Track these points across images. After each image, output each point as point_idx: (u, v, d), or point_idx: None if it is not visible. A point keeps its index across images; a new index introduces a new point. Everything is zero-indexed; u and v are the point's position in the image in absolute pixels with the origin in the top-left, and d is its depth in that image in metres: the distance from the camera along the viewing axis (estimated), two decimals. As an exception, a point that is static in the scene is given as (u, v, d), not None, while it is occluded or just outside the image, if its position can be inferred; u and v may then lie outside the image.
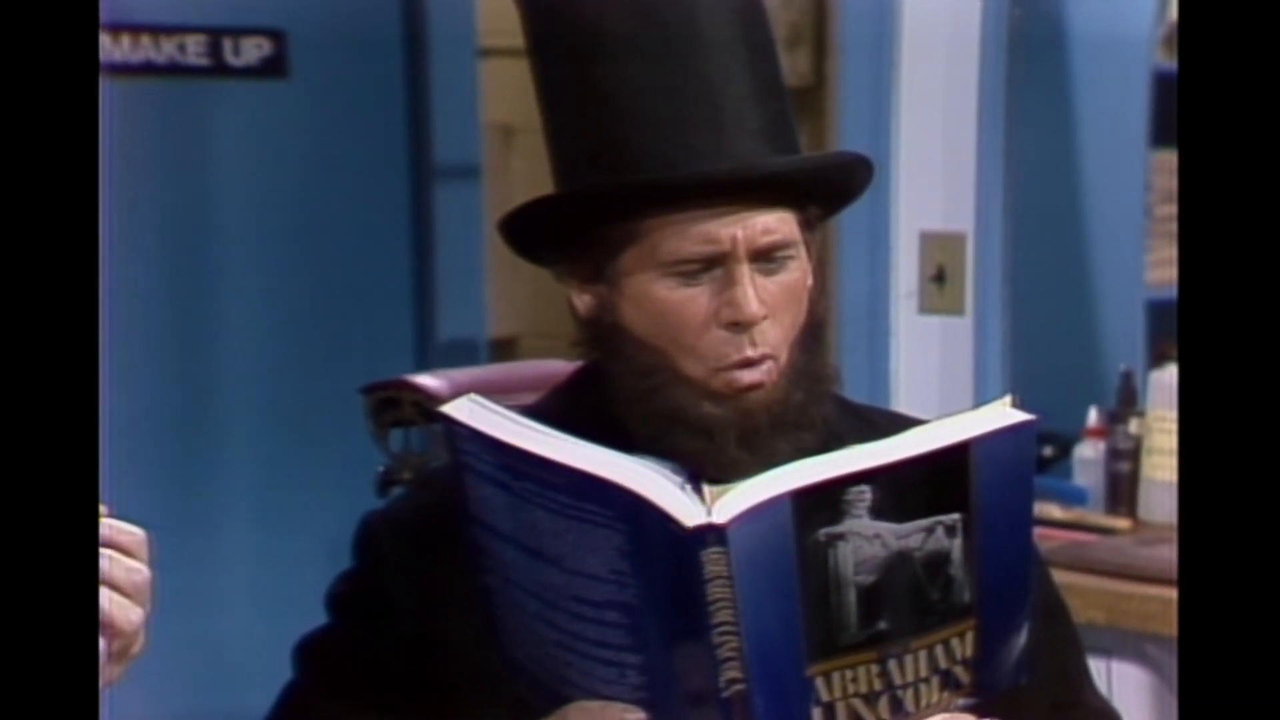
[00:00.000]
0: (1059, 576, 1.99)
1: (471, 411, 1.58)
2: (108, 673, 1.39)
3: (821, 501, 1.53)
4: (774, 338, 1.77)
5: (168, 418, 3.42)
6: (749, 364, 1.78)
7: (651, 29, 1.81)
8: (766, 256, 1.77)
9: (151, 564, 1.37)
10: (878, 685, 1.59)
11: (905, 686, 1.60)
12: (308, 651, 1.84)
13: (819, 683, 1.57)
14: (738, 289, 1.74)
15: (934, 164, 3.21)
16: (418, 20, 3.57)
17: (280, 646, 1.89)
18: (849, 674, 1.58)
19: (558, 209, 1.82)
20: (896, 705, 1.60)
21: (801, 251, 1.80)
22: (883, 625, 1.57)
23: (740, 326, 1.76)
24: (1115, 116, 3.37)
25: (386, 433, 2.29)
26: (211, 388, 3.49)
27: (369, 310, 3.56)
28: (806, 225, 1.81)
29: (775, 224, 1.78)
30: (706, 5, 1.84)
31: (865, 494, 1.54)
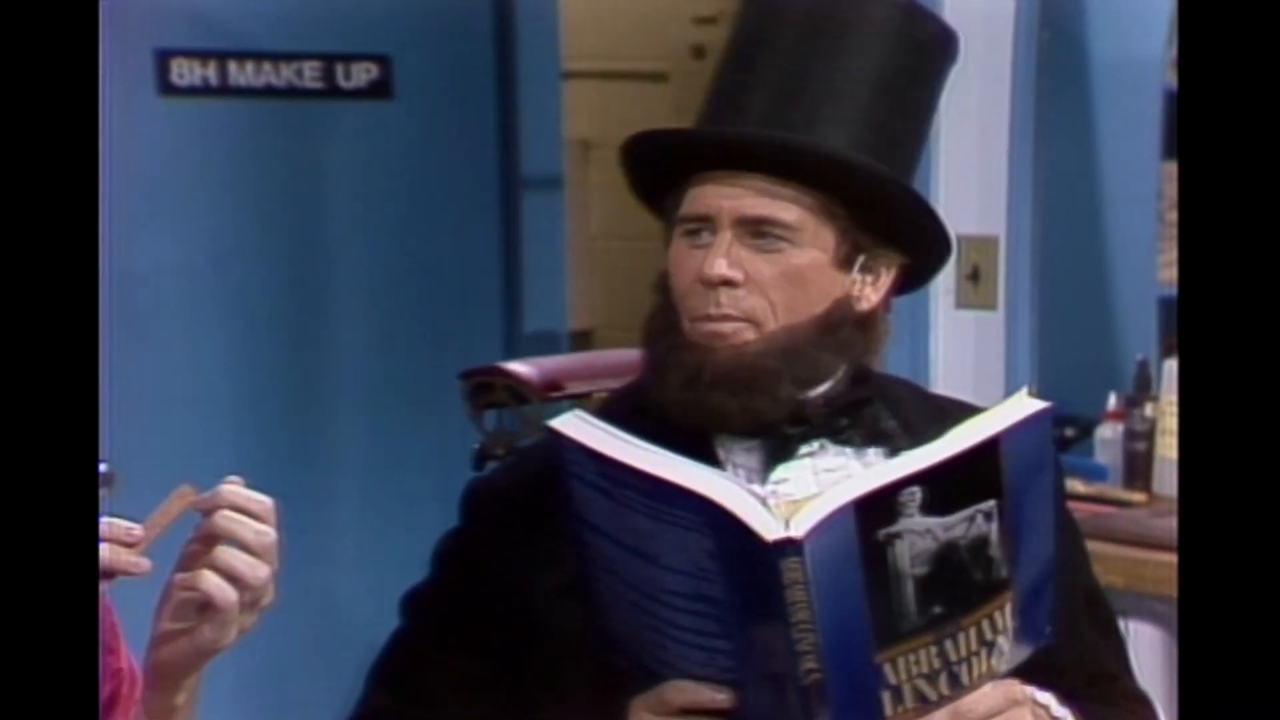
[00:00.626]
0: (1082, 544, 2.01)
1: (578, 427, 1.61)
2: (241, 621, 1.41)
3: (879, 506, 1.55)
4: (748, 305, 1.76)
5: (290, 401, 3.45)
6: (711, 319, 1.77)
7: (810, 23, 1.80)
8: (754, 231, 1.76)
9: (278, 528, 1.39)
10: (937, 664, 1.61)
11: (960, 662, 1.62)
12: (413, 602, 1.87)
13: (886, 668, 1.59)
14: (711, 250, 1.75)
15: (970, 173, 3.21)
16: (508, 48, 3.58)
17: (388, 599, 1.93)
18: (911, 657, 1.60)
19: (632, 151, 1.84)
20: (954, 680, 1.62)
21: (806, 239, 1.76)
22: (937, 610, 1.59)
23: (706, 283, 1.75)
24: (1131, 131, 3.36)
25: (482, 413, 2.38)
26: (326, 375, 3.49)
27: (463, 305, 3.57)
28: (829, 216, 1.77)
29: (768, 202, 1.75)
30: (863, 22, 1.81)
31: (915, 494, 1.56)
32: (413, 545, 2.08)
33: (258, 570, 1.39)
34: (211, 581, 1.38)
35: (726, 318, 1.75)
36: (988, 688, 1.64)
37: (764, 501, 1.54)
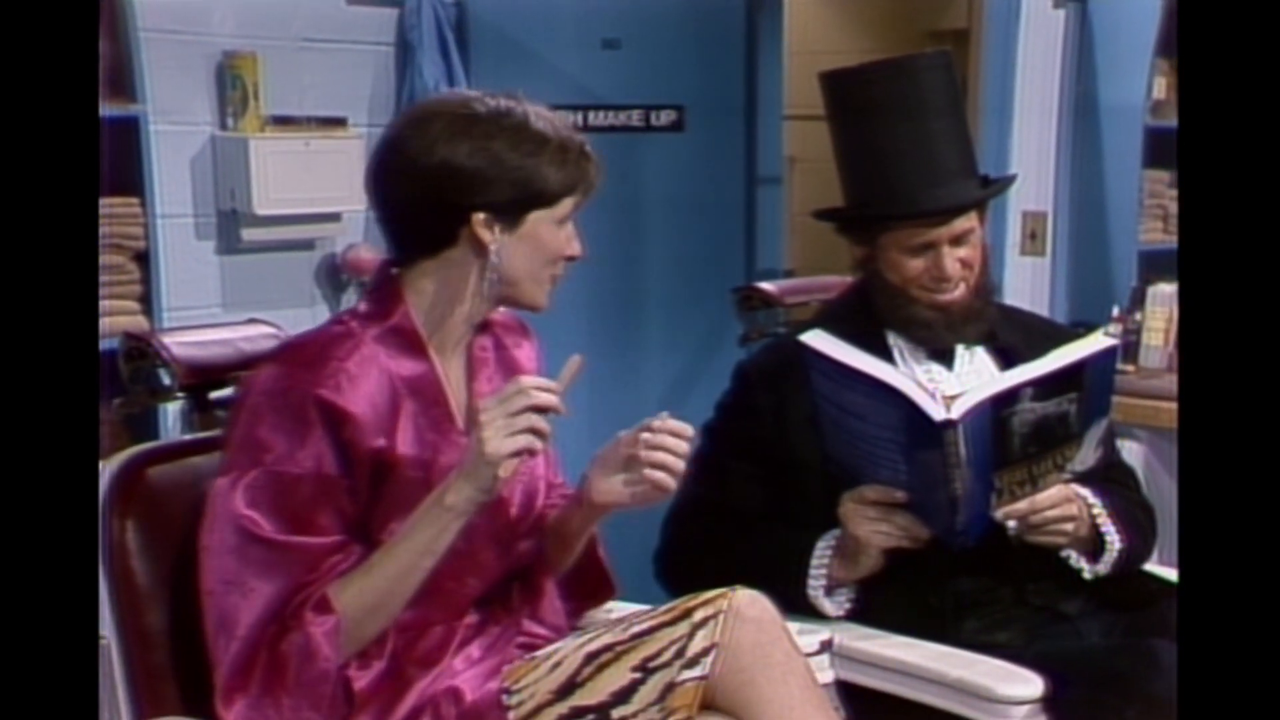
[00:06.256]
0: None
1: (817, 339, 1.75)
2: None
3: (1007, 398, 1.70)
4: (960, 276, 1.97)
5: (622, 310, 3.76)
6: (944, 292, 1.96)
7: (893, 101, 1.92)
8: (960, 241, 1.97)
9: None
10: (1025, 476, 1.77)
11: (1041, 476, 1.78)
12: (708, 431, 2.06)
13: (995, 479, 1.75)
14: (943, 261, 1.94)
15: (1033, 174, 3.47)
16: (752, 100, 3.89)
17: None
18: (1010, 472, 1.77)
19: (849, 216, 2.02)
20: (1034, 484, 1.80)
21: (979, 233, 1.99)
22: (1031, 449, 1.76)
23: (943, 278, 1.95)
24: (1125, 150, 3.53)
25: (744, 313, 2.64)
26: (644, 292, 3.82)
27: (722, 251, 3.88)
28: (981, 218, 2.00)
29: (965, 222, 1.95)
30: (927, 84, 1.93)
31: (1029, 391, 1.70)
32: (698, 394, 2.36)
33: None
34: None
35: (955, 288, 1.95)
36: (1054, 489, 1.83)
37: (933, 395, 1.66)
